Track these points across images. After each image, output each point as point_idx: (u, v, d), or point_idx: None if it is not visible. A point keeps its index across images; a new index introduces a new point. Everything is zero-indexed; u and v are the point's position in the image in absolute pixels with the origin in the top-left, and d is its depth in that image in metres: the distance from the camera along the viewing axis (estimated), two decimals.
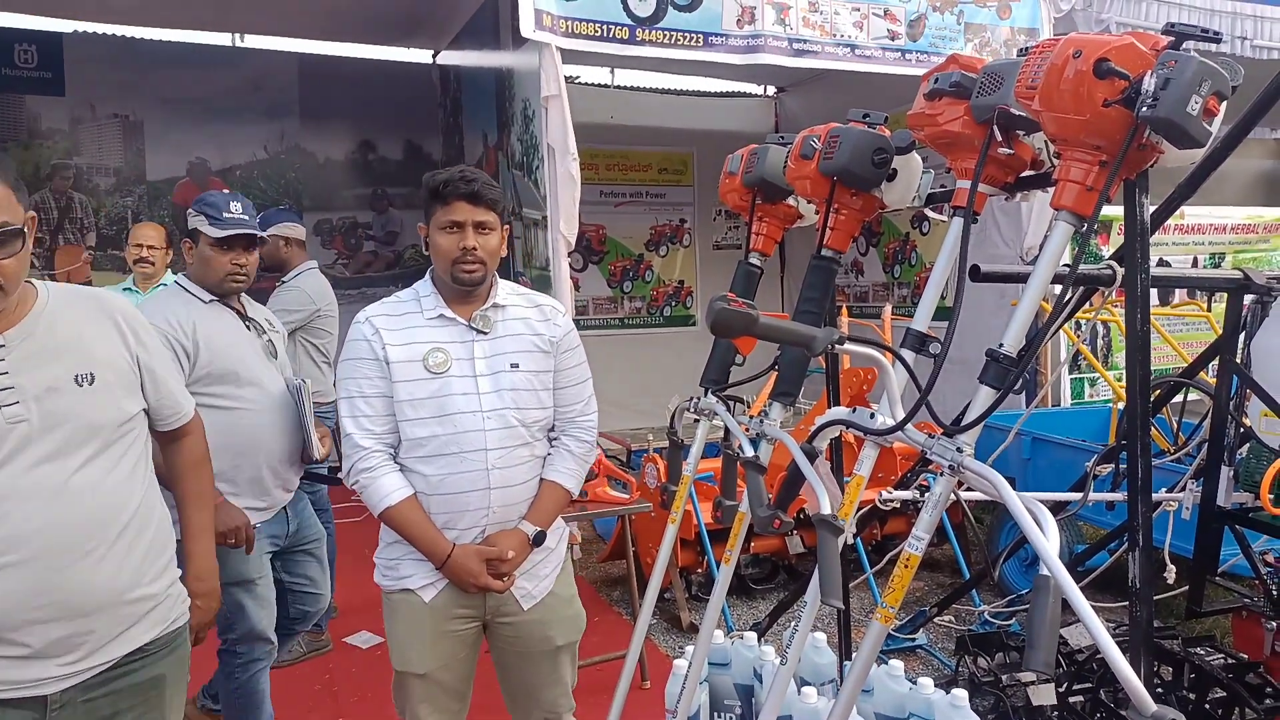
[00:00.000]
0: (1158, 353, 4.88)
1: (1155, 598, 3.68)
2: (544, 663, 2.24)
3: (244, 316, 2.72)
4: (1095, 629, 1.30)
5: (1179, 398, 3.67)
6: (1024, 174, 1.76)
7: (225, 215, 2.59)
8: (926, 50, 5.51)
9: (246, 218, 2.64)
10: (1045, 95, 1.41)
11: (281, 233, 4.04)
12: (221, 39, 6.93)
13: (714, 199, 8.19)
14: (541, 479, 2.17)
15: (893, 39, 5.43)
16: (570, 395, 2.20)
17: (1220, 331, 2.75)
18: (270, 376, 2.67)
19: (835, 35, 5.26)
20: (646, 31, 4.70)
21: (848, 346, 1.56)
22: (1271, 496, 2.43)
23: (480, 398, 2.05)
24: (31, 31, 6.39)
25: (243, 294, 2.75)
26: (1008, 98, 1.60)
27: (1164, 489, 3.30)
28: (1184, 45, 1.35)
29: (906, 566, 1.56)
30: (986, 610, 4.17)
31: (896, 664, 2.14)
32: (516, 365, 2.09)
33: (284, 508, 2.76)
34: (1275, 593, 2.46)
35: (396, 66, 7.51)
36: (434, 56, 7.47)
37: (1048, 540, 1.37)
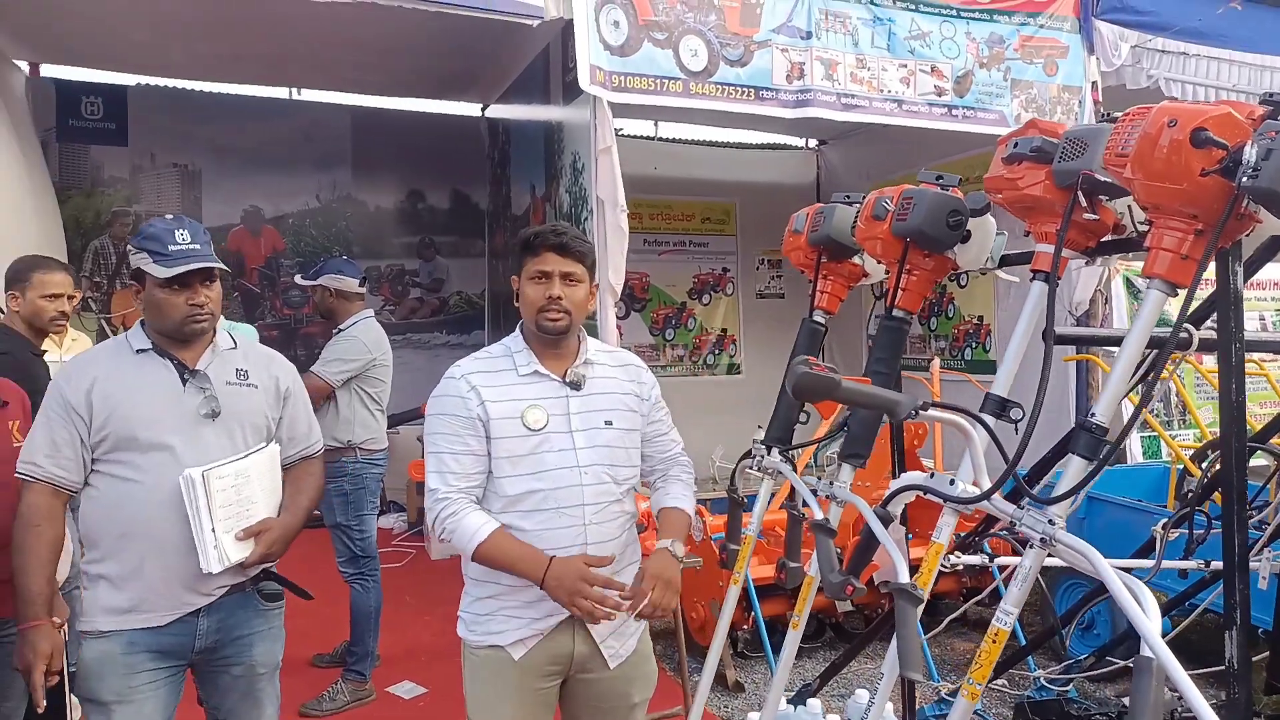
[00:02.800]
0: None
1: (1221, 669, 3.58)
2: (619, 718, 2.21)
3: (184, 368, 2.18)
4: (1203, 711, 1.25)
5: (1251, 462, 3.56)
6: (1104, 238, 1.75)
7: (172, 248, 2.13)
8: (973, 106, 5.52)
9: (197, 247, 2.17)
10: (1139, 163, 1.39)
11: (327, 283, 4.07)
12: (278, 92, 7.13)
13: (756, 248, 8.31)
14: (661, 508, 2.19)
15: (939, 95, 5.44)
16: (665, 442, 2.24)
17: None
18: (197, 442, 2.14)
19: (882, 91, 5.29)
20: (700, 85, 4.76)
21: (932, 413, 1.54)
22: None
23: (577, 453, 2.05)
24: (98, 84, 6.63)
25: (220, 336, 2.28)
26: (1092, 163, 1.60)
27: (1188, 547, 3.20)
28: None
29: (995, 641, 1.51)
30: (1042, 675, 4.05)
31: None
32: (610, 423, 2.10)
33: (198, 611, 2.15)
34: None
35: (446, 119, 7.68)
36: (483, 109, 7.62)
37: (1149, 619, 1.33)
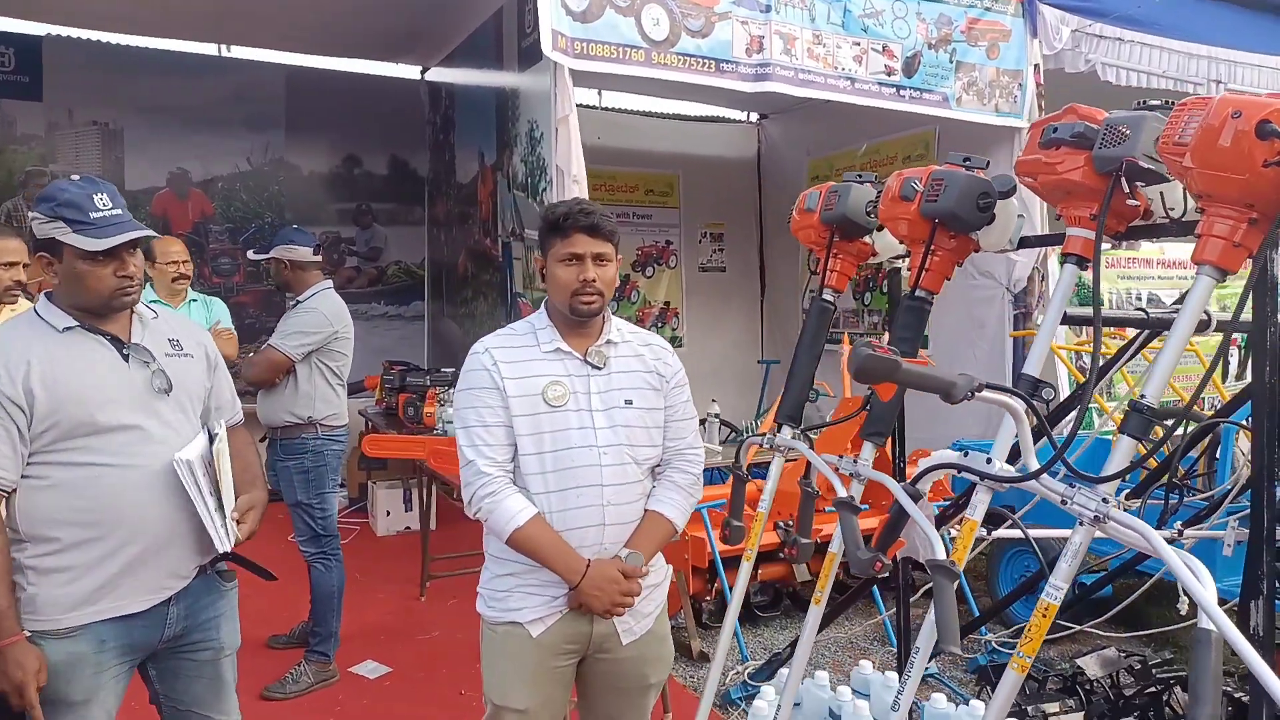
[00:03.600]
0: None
1: (1170, 629, 3.80)
2: (635, 699, 2.22)
3: (120, 342, 2.04)
4: (1268, 679, 1.31)
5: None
6: (1134, 223, 1.80)
7: (94, 215, 1.92)
8: (919, 87, 5.61)
9: (119, 212, 1.97)
10: (1199, 153, 1.43)
11: (279, 255, 3.90)
12: (207, 49, 6.77)
13: (699, 221, 8.32)
14: (645, 509, 2.14)
15: (889, 74, 5.51)
16: (678, 429, 2.19)
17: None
18: (158, 419, 2.02)
19: (837, 68, 5.33)
20: (662, 55, 4.71)
21: (985, 394, 1.56)
22: None
23: (596, 432, 2.04)
24: (9, 34, 6.17)
25: (138, 306, 2.10)
26: (1134, 149, 1.63)
27: (1178, 523, 3.39)
28: None
29: (1045, 616, 1.56)
30: (993, 639, 4.23)
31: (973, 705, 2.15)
32: (630, 402, 2.09)
33: (167, 601, 2.05)
34: None
35: (384, 81, 7.43)
36: (422, 73, 7.40)
37: (1207, 592, 1.38)
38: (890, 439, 2.49)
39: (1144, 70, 6.12)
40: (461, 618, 4.55)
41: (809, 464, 2.20)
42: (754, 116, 8.58)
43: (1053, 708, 3.33)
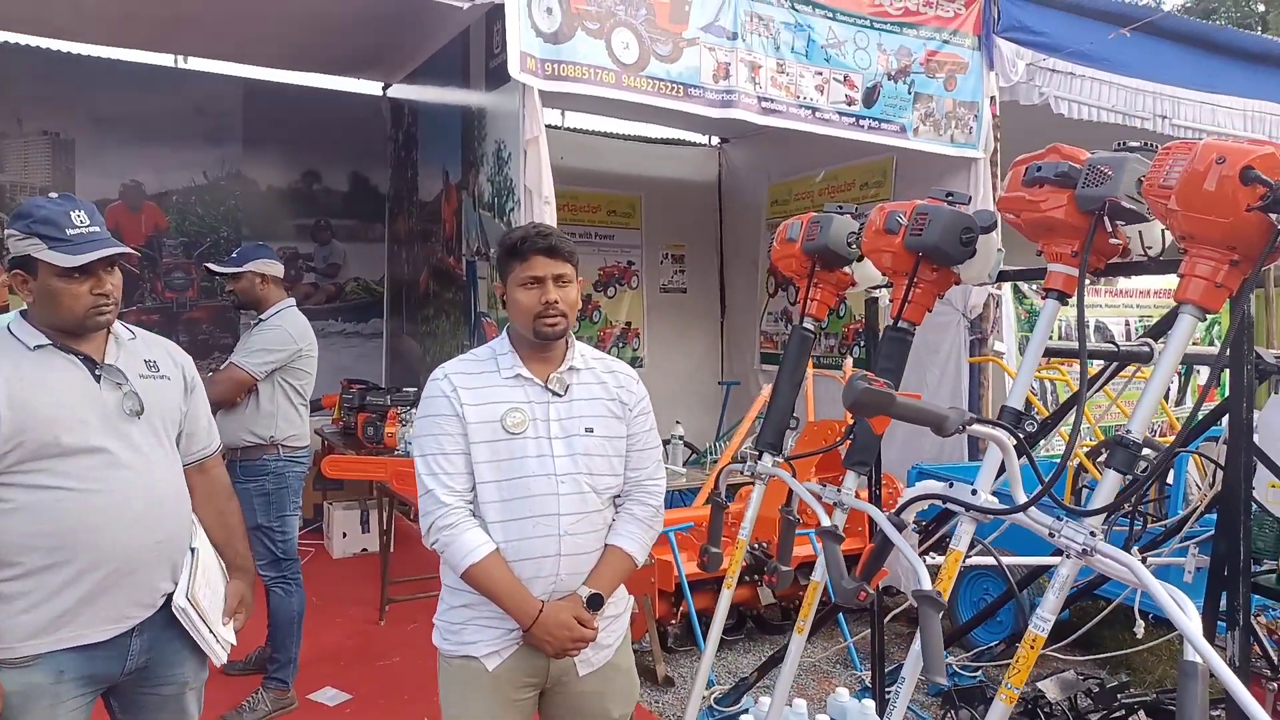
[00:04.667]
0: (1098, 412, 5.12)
1: (1126, 652, 3.88)
2: None
3: (93, 362, 1.99)
4: (1252, 709, 1.34)
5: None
6: (1112, 260, 1.85)
7: (70, 232, 1.90)
8: (879, 118, 5.70)
9: (97, 229, 1.94)
10: (1183, 196, 1.48)
11: (258, 269, 3.87)
12: (163, 59, 6.62)
13: (661, 242, 8.35)
14: (606, 544, 2.11)
15: (849, 104, 5.60)
16: (640, 460, 2.16)
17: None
18: (127, 442, 1.97)
19: (799, 96, 5.41)
20: (632, 78, 4.74)
21: (975, 428, 1.59)
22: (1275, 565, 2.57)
23: (554, 460, 2.01)
24: None
25: (115, 325, 2.07)
26: (1116, 190, 1.68)
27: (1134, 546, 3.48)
28: None
29: (1032, 648, 1.59)
30: (953, 663, 4.28)
31: None
32: (591, 430, 2.06)
33: (129, 632, 1.98)
34: (1275, 655, 2.60)
35: (345, 97, 7.33)
36: (385, 89, 7.33)
37: (1192, 624, 1.42)
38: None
39: (1094, 104, 6.31)
40: (422, 643, 4.45)
41: (790, 491, 2.21)
42: (715, 140, 8.65)
43: None
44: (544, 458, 2.00)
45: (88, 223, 1.93)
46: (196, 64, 6.74)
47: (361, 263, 7.52)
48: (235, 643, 2.18)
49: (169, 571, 2.02)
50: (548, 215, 4.63)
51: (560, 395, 2.05)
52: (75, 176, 6.35)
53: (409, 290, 6.96)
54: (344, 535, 6.10)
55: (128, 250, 1.97)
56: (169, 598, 2.03)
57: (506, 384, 2.04)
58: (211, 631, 2.07)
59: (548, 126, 4.69)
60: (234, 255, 3.95)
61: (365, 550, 6.09)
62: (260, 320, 3.89)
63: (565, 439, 2.03)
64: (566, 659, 2.05)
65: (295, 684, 3.88)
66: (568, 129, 7.82)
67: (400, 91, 7.13)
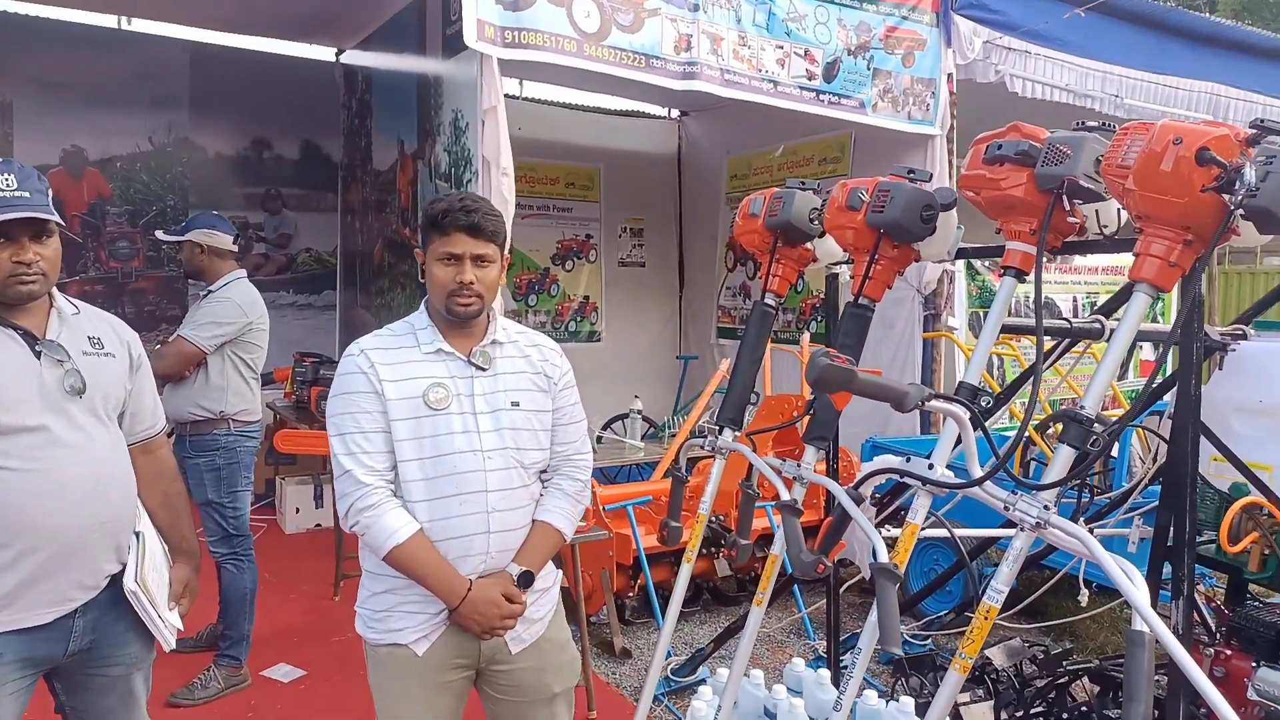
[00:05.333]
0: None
1: (1069, 620, 3.99)
2: (541, 711, 2.14)
3: (33, 338, 1.92)
4: (1197, 677, 1.38)
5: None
6: (1069, 239, 1.88)
7: None
8: (838, 93, 5.70)
9: (26, 194, 1.85)
10: (1140, 176, 1.50)
11: (198, 239, 3.76)
12: (106, 21, 6.39)
13: (619, 215, 8.31)
14: (534, 519, 2.08)
15: (810, 79, 5.60)
16: (566, 434, 2.13)
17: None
18: (68, 421, 1.91)
19: (760, 70, 5.39)
20: (593, 47, 4.68)
21: (934, 403, 1.61)
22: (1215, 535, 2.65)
23: (480, 436, 1.97)
24: None
25: (58, 299, 1.99)
26: (1074, 169, 1.70)
27: (1081, 517, 3.57)
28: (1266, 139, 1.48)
29: (986, 619, 1.62)
30: (904, 632, 4.37)
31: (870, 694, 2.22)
32: (517, 404, 2.02)
33: (73, 613, 1.94)
34: (1213, 622, 2.70)
35: (295, 62, 7.15)
36: (337, 55, 7.16)
37: (1141, 595, 1.45)
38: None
39: (1047, 83, 6.38)
40: None
41: (750, 466, 2.23)
42: (675, 113, 8.61)
43: (964, 697, 3.45)
44: (469, 433, 1.96)
45: (15, 186, 1.83)
46: (141, 25, 6.52)
47: (313, 233, 7.38)
48: (181, 628, 2.14)
49: (113, 553, 1.98)
50: (506, 187, 4.59)
51: (484, 369, 2.00)
52: (13, 141, 6.13)
53: (363, 262, 6.85)
54: (297, 510, 6.02)
55: (43, 216, 1.86)
56: (113, 579, 1.99)
57: (427, 359, 1.98)
58: (160, 617, 2.04)
59: (505, 96, 4.63)
60: (183, 224, 3.86)
61: (319, 525, 6.03)
62: (209, 292, 3.80)
63: (491, 413, 1.98)
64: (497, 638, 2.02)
65: (248, 661, 3.83)
66: (526, 99, 7.73)
67: (353, 58, 6.98)
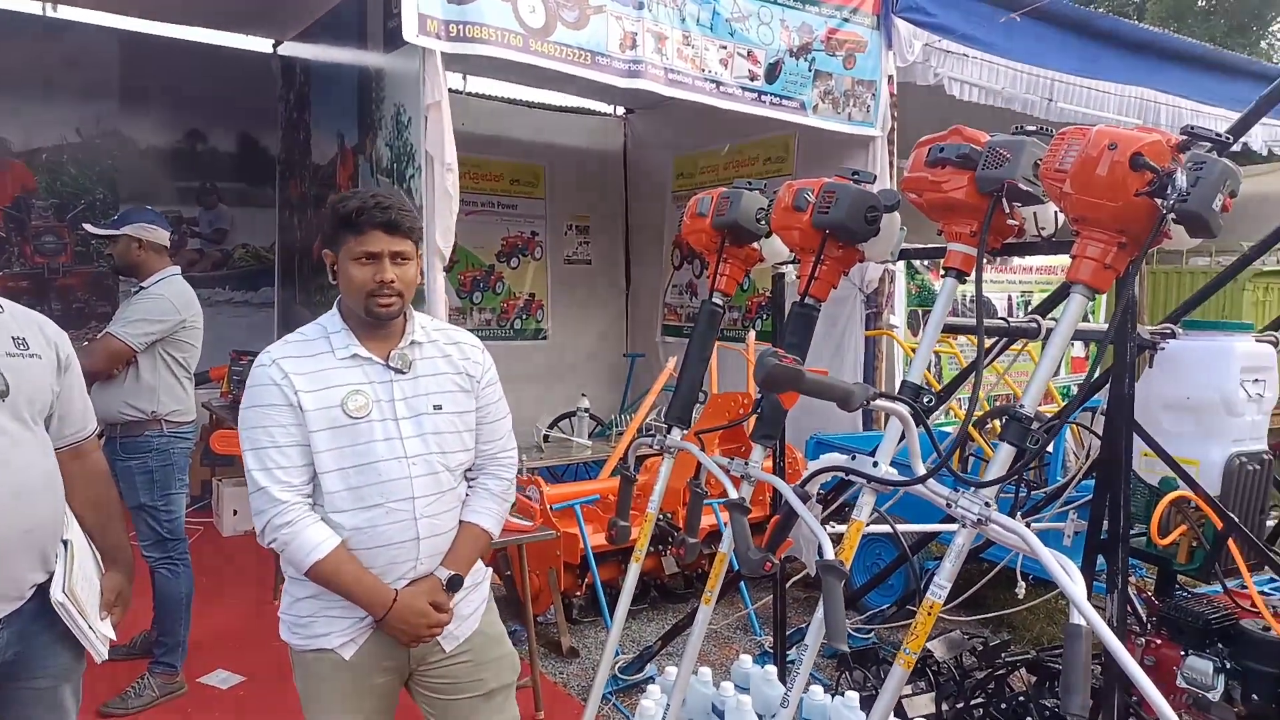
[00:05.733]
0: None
1: (1007, 612, 4.09)
2: (480, 706, 2.12)
3: None
4: (1131, 668, 1.42)
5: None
6: (1008, 240, 1.92)
7: None
8: (779, 94, 5.75)
9: None
10: (1078, 180, 1.54)
11: (136, 233, 3.66)
12: (30, 6, 6.14)
13: (565, 213, 8.28)
14: (460, 520, 2.06)
15: (752, 79, 5.64)
16: (490, 432, 2.10)
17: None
18: None
19: (704, 70, 5.41)
20: (539, 43, 4.64)
21: (879, 402, 1.63)
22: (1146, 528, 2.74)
23: (403, 443, 1.93)
24: None
25: None
26: (1014, 173, 1.74)
27: (1018, 512, 3.66)
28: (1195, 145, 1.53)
29: (929, 614, 1.64)
30: (849, 626, 4.43)
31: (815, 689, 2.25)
32: (440, 407, 1.98)
33: None
34: (1144, 612, 2.78)
35: (231, 53, 6.96)
36: (275, 46, 7.00)
37: (1078, 589, 1.49)
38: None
39: (984, 86, 6.52)
40: None
41: (699, 464, 2.23)
42: (621, 110, 8.59)
43: (906, 690, 3.51)
44: (392, 440, 1.91)
45: None
46: (68, 12, 6.28)
47: (251, 228, 7.20)
48: (114, 637, 2.07)
49: (38, 562, 1.89)
50: (450, 183, 4.54)
51: (404, 373, 1.96)
52: None
53: (302, 258, 6.70)
54: (235, 513, 5.88)
55: None
56: (39, 588, 1.91)
57: (343, 365, 1.92)
58: (91, 627, 1.96)
59: (450, 91, 4.57)
60: (115, 217, 3.74)
61: None
62: (141, 288, 3.69)
63: (413, 419, 1.94)
64: None
65: (184, 668, 3.74)
66: (470, 94, 7.64)
67: (292, 49, 6.82)
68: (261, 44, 7.04)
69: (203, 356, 3.95)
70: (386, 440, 1.90)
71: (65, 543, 1.96)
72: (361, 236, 1.89)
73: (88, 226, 3.87)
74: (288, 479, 1.87)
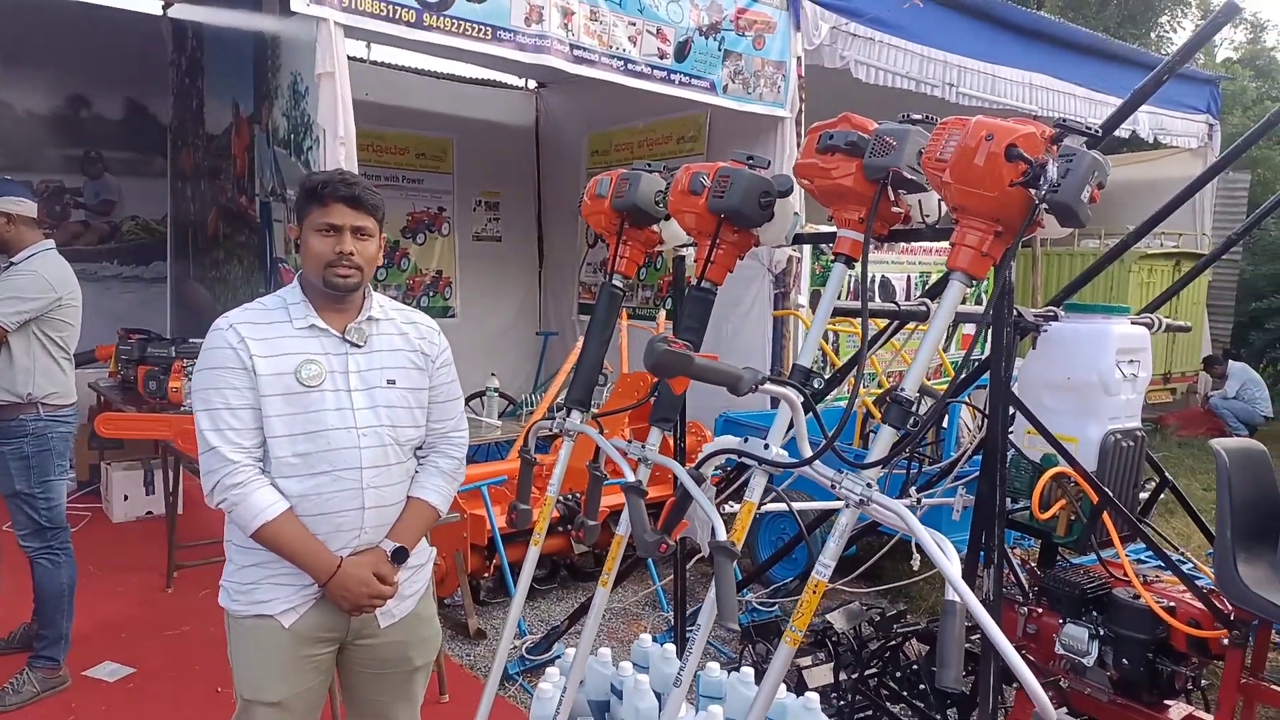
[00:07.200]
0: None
1: (903, 583, 4.23)
2: (400, 683, 2.16)
3: None
4: (1002, 645, 1.48)
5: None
6: (895, 227, 1.96)
7: None
8: (689, 73, 5.75)
9: None
10: (956, 170, 1.58)
11: (6, 207, 3.45)
12: None
13: (474, 189, 8.13)
14: (409, 496, 2.08)
15: (661, 58, 5.62)
16: (442, 411, 2.13)
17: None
18: None
19: (612, 47, 5.37)
20: (435, 18, 4.52)
21: (768, 386, 1.65)
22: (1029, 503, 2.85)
23: (355, 413, 1.96)
24: None
25: None
26: (899, 161, 1.77)
27: (912, 488, 3.78)
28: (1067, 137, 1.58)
29: (815, 593, 1.68)
30: (753, 599, 4.52)
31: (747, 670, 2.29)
32: (393, 381, 2.01)
33: None
34: (1027, 582, 2.91)
35: (118, 15, 6.60)
36: (165, 8, 6.66)
37: (953, 567, 1.54)
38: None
39: (890, 70, 6.65)
40: (215, 609, 4.17)
41: (598, 447, 2.23)
42: (532, 84, 8.47)
43: (805, 661, 3.61)
44: (343, 410, 1.95)
45: None
46: None
47: (140, 199, 6.88)
48: None
49: None
50: (344, 156, 4.39)
51: (359, 346, 1.99)
52: None
53: (196, 231, 6.44)
54: (125, 498, 5.64)
55: None
56: None
57: (299, 335, 1.95)
58: None
59: (351, 59, 4.42)
60: None
61: (150, 513, 5.67)
62: (11, 264, 3.47)
63: (366, 391, 1.98)
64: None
65: (68, 660, 3.58)
66: (373, 62, 7.42)
67: (183, 12, 6.51)
68: (151, 5, 6.71)
69: (89, 334, 3.76)
70: (338, 410, 1.94)
71: None
72: (324, 208, 1.93)
73: None
74: (239, 440, 1.88)
